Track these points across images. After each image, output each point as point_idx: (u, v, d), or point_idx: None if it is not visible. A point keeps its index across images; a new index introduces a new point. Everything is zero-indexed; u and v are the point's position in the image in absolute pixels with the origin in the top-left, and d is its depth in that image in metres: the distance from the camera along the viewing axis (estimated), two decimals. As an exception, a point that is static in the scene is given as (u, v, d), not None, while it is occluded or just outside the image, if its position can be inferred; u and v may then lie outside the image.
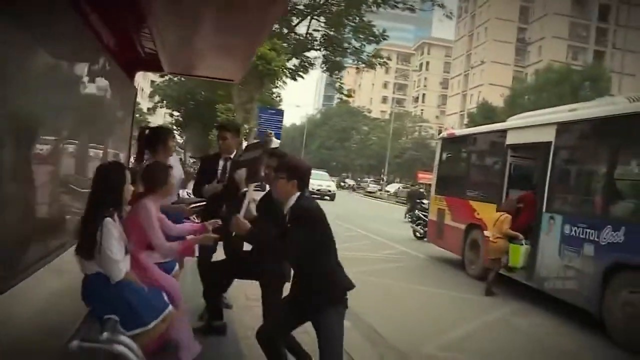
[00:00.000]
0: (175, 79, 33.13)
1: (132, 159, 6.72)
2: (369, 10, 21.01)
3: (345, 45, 21.65)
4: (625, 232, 6.93)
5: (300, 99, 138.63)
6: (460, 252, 11.55)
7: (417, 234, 16.98)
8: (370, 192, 58.41)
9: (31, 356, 2.85)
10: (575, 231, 7.84)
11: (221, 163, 5.59)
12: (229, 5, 3.96)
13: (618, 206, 7.59)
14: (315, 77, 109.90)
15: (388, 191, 58.90)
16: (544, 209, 8.69)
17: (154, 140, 5.20)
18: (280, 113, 19.61)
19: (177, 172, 5.13)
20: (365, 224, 18.98)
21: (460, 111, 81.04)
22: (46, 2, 3.09)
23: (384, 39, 22.52)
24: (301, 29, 20.63)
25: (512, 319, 7.78)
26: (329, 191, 34.55)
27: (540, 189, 9.01)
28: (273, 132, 15.18)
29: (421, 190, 28.77)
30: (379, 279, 9.59)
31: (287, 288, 3.99)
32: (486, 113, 52.47)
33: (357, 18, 20.89)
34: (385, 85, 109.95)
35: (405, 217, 22.99)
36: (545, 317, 7.94)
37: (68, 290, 3.45)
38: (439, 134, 17.17)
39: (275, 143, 7.25)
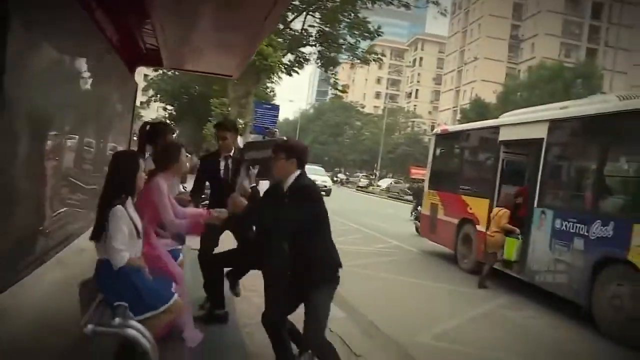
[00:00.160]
0: (169, 73, 33.10)
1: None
2: (364, 6, 21.11)
3: (341, 41, 21.74)
4: (614, 227, 7.12)
5: (293, 93, 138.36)
6: (452, 246, 11.73)
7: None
8: (362, 187, 58.42)
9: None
10: (565, 226, 8.02)
11: (222, 162, 5.59)
12: (232, 3, 4.08)
13: (607, 202, 7.78)
14: (309, 72, 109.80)
15: (380, 186, 59.00)
16: (535, 204, 8.88)
17: (154, 135, 5.31)
18: (276, 108, 19.72)
19: None
20: (358, 219, 19.13)
21: (453, 107, 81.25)
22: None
23: (379, 35, 22.63)
24: (296, 25, 20.72)
25: (504, 312, 7.96)
26: (325, 186, 34.60)
27: (532, 184, 9.20)
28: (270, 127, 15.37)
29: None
30: (374, 272, 9.75)
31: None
32: (479, 109, 52.71)
33: (352, 14, 20.98)
34: (378, 81, 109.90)
35: (412, 215, 21.76)
36: (536, 310, 8.13)
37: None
38: (431, 130, 17.34)
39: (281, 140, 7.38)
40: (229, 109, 20.96)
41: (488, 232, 9.58)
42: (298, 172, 3.79)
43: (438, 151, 13.91)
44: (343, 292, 6.70)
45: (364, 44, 23.68)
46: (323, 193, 4.25)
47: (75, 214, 4.51)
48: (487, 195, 10.44)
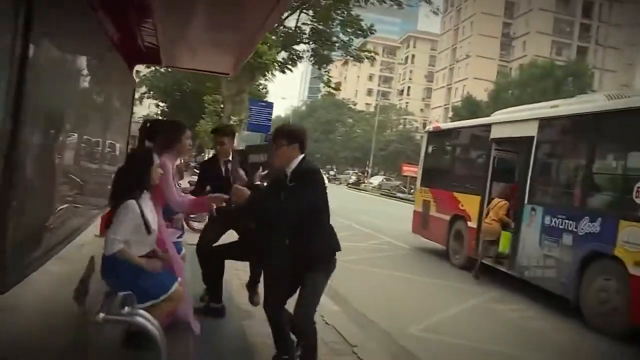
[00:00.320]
0: (162, 69, 33.02)
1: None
2: (357, 4, 21.22)
3: (334, 39, 21.84)
4: (601, 223, 7.32)
5: (285, 91, 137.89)
6: (444, 243, 11.91)
7: None
8: (353, 185, 58.43)
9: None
10: (555, 222, 8.22)
11: (222, 167, 5.63)
12: (234, 3, 4.18)
13: (595, 198, 7.99)
14: (301, 69, 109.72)
15: (371, 183, 59.15)
16: (525, 201, 9.07)
17: (153, 132, 5.43)
18: (270, 105, 19.88)
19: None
20: (351, 216, 19.29)
21: (445, 105, 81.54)
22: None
23: (372, 33, 22.73)
24: (290, 22, 20.79)
25: (494, 305, 8.18)
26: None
27: (522, 181, 9.39)
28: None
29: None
30: (367, 267, 9.92)
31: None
32: (470, 107, 52.98)
33: (345, 12, 21.07)
34: (370, 78, 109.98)
35: None
36: (525, 303, 8.34)
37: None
38: (423, 127, 17.53)
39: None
40: (222, 105, 21.00)
41: (486, 221, 9.83)
42: (301, 156, 3.80)
43: (430, 149, 14.08)
44: (337, 286, 6.88)
45: (357, 42, 23.78)
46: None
47: (78, 209, 4.61)
48: (479, 192, 10.62)
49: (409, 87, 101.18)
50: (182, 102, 35.67)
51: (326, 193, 3.88)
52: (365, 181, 61.59)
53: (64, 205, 3.75)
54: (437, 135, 14.09)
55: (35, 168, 2.81)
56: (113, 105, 5.85)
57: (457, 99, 71.37)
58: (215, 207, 4.57)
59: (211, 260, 5.27)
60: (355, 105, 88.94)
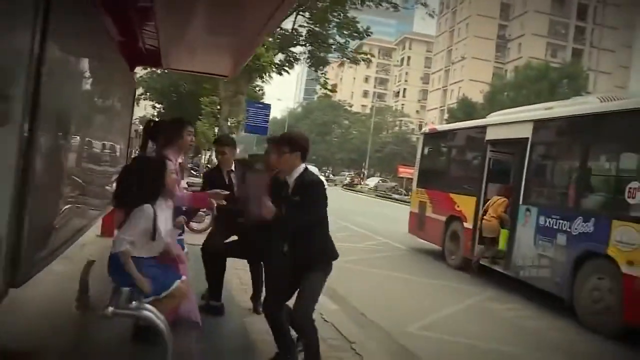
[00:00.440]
0: (159, 71, 32.99)
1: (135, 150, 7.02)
2: (353, 7, 21.27)
3: (330, 41, 21.87)
4: (595, 223, 7.44)
5: (281, 92, 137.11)
6: (440, 243, 11.99)
7: None
8: (349, 186, 58.46)
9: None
10: (549, 222, 8.33)
11: (226, 177, 5.65)
12: (236, 6, 4.26)
13: (588, 199, 8.11)
14: (297, 71, 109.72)
15: (367, 185, 59.25)
16: (520, 201, 9.18)
17: (156, 132, 5.51)
18: (268, 107, 19.91)
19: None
20: (348, 217, 19.39)
21: (441, 106, 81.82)
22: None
23: (368, 35, 22.78)
24: (287, 24, 20.82)
25: (490, 304, 8.29)
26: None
27: (517, 182, 9.50)
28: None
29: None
30: (365, 268, 10.01)
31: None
32: (466, 109, 53.12)
33: (342, 14, 21.12)
34: (366, 80, 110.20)
35: None
36: (520, 303, 8.45)
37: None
38: (419, 129, 17.67)
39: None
40: (219, 107, 21.03)
41: (485, 217, 9.98)
42: (303, 166, 3.85)
43: (426, 150, 14.18)
44: (335, 286, 6.97)
45: (353, 44, 23.84)
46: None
47: (82, 210, 4.68)
48: (475, 193, 10.73)
49: (404, 89, 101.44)
50: (179, 104, 35.57)
51: (327, 203, 3.94)
52: (361, 183, 61.66)
53: (69, 205, 3.83)
54: (433, 137, 14.22)
55: (47, 167, 2.88)
56: (115, 107, 5.93)
57: (453, 101, 71.64)
58: (215, 204, 4.68)
59: (215, 260, 5.38)
60: (351, 107, 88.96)
